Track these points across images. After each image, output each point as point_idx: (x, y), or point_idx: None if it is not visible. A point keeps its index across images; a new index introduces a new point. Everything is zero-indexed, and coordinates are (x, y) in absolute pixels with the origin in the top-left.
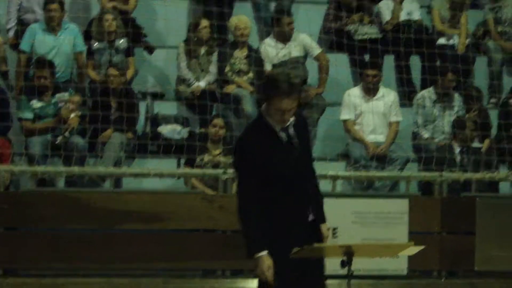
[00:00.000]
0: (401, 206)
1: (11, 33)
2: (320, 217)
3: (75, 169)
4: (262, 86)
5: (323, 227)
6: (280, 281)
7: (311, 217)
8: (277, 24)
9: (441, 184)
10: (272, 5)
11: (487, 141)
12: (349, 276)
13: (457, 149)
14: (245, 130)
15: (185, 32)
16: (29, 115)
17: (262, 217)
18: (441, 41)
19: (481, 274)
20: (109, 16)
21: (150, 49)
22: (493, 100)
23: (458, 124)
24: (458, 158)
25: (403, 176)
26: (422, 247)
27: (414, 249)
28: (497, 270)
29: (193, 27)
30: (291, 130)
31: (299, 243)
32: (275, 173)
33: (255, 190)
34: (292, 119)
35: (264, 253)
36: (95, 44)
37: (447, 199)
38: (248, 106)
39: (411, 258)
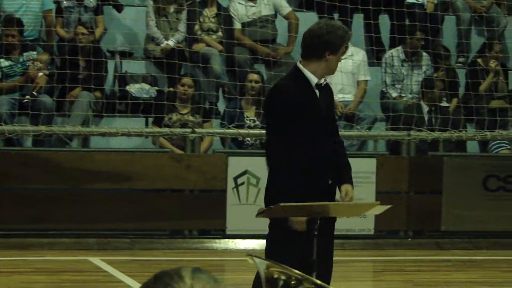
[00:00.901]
0: (368, 165)
1: None
2: (342, 179)
3: (43, 128)
4: (325, 40)
5: (343, 188)
6: (295, 237)
7: (329, 181)
8: None
9: (409, 144)
10: None
11: (454, 101)
12: (314, 235)
13: (425, 109)
14: (281, 79)
15: None
16: None
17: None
18: None
19: (447, 234)
20: None
21: (119, 8)
22: (461, 60)
23: (426, 84)
24: (426, 118)
25: (371, 135)
26: (388, 207)
27: (380, 209)
28: (463, 230)
29: None
30: (323, 90)
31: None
32: (309, 127)
33: (288, 140)
34: (323, 80)
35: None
36: (64, 2)
37: (414, 159)
38: (217, 65)
39: (378, 218)
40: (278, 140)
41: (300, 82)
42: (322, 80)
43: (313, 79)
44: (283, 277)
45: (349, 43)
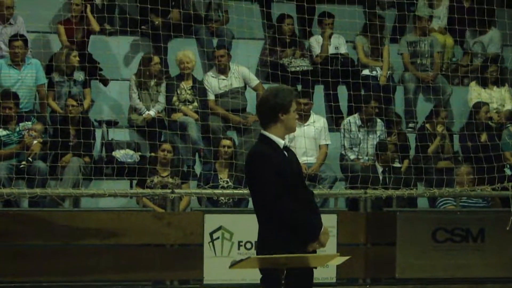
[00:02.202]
0: (330, 220)
1: None
2: None
3: (38, 190)
4: (273, 104)
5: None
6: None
7: None
8: (217, 58)
9: (366, 201)
10: (214, 41)
11: (406, 162)
12: (282, 284)
13: (379, 169)
14: (256, 147)
15: (137, 66)
16: None
17: (301, 209)
18: (365, 72)
19: (401, 281)
20: (70, 52)
21: (105, 82)
22: (411, 125)
23: (380, 147)
24: (380, 177)
25: (332, 193)
26: (348, 257)
27: (341, 259)
28: (415, 277)
29: (146, 62)
30: (289, 151)
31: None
32: (289, 181)
33: (284, 191)
34: (286, 141)
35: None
36: (55, 77)
37: (371, 214)
38: (193, 132)
39: (339, 267)
40: (279, 193)
41: (271, 146)
42: (287, 141)
43: (280, 141)
44: None
45: (311, 111)
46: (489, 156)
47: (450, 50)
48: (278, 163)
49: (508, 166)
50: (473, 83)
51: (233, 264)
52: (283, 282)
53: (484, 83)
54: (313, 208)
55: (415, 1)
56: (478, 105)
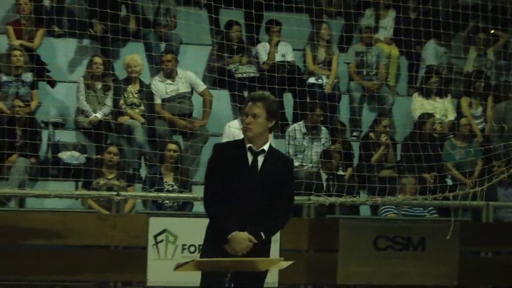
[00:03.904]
0: None
1: None
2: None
3: None
4: None
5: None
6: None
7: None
8: (164, 62)
9: (309, 207)
10: (162, 46)
11: (349, 170)
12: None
13: (324, 176)
14: (227, 142)
15: (84, 68)
16: None
17: (227, 209)
18: (311, 80)
19: (342, 287)
20: (17, 53)
21: (52, 83)
22: (355, 133)
23: (324, 154)
24: (324, 184)
25: None
26: (291, 263)
27: (284, 264)
28: (357, 284)
29: (90, 64)
30: (260, 157)
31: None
32: (231, 184)
33: (218, 190)
34: (266, 147)
35: (235, 232)
36: (3, 77)
37: (314, 221)
38: (139, 135)
39: (281, 272)
40: (211, 191)
41: (237, 147)
42: (266, 147)
43: (249, 144)
44: None
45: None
46: (431, 166)
47: (395, 61)
48: (226, 164)
49: (449, 176)
50: (416, 94)
51: (178, 267)
52: (226, 286)
53: (427, 94)
54: (250, 214)
55: (362, 11)
56: (424, 116)
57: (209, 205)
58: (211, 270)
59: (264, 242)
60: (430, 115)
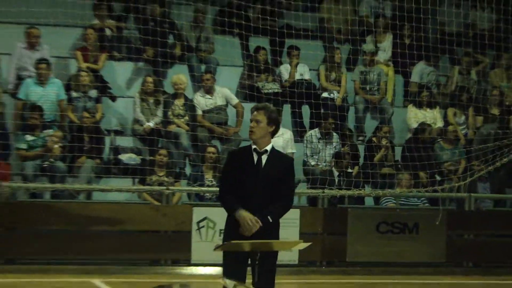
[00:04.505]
0: (294, 214)
1: (11, 86)
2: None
3: (58, 185)
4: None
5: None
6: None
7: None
8: (204, 81)
9: (323, 199)
10: (203, 67)
11: (356, 168)
12: (257, 264)
13: (336, 173)
14: (239, 148)
15: (139, 86)
16: (23, 145)
17: (234, 197)
18: (324, 95)
19: (351, 264)
20: (84, 73)
21: (113, 98)
22: (360, 138)
23: (336, 155)
24: (336, 180)
25: (296, 192)
26: (308, 244)
27: (303, 245)
28: (362, 261)
29: (144, 82)
30: (264, 157)
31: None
32: (239, 182)
33: (229, 185)
34: (269, 147)
35: (240, 210)
36: (73, 93)
37: (327, 210)
38: (184, 140)
39: (301, 252)
40: (223, 186)
41: (245, 150)
42: (268, 147)
43: (253, 146)
44: None
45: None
46: (423, 165)
47: (392, 78)
48: (236, 165)
49: (438, 173)
50: (410, 106)
51: (217, 248)
52: (249, 263)
53: (419, 106)
54: (255, 203)
55: (365, 38)
56: (424, 125)
57: (220, 194)
58: (238, 250)
59: (272, 224)
60: (428, 125)
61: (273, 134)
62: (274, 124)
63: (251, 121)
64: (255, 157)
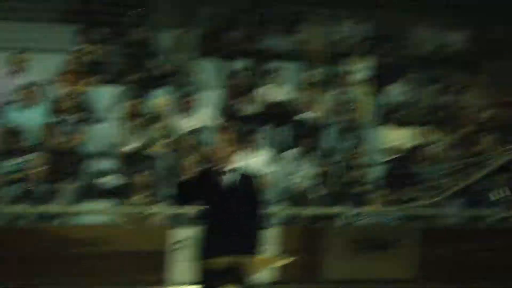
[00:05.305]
0: (272, 232)
1: None
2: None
3: (39, 208)
4: None
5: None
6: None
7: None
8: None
9: (302, 216)
10: (184, 89)
11: (333, 187)
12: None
13: (313, 192)
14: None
15: (122, 108)
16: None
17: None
18: (303, 115)
19: (326, 281)
20: (66, 97)
21: (96, 121)
22: (337, 157)
23: (314, 175)
24: (313, 198)
25: (274, 211)
26: (288, 260)
27: (281, 262)
28: (341, 278)
29: (126, 105)
30: (228, 176)
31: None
32: (210, 201)
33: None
34: (235, 166)
35: None
36: (56, 118)
37: (306, 227)
38: (166, 162)
39: (278, 269)
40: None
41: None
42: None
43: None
44: None
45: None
46: (399, 183)
47: (368, 98)
48: (206, 184)
49: (413, 190)
50: (386, 125)
51: (209, 263)
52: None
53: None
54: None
55: (341, 59)
56: (414, 148)
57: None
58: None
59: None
60: (419, 147)
61: (238, 153)
62: (238, 143)
63: (215, 142)
64: (220, 177)
